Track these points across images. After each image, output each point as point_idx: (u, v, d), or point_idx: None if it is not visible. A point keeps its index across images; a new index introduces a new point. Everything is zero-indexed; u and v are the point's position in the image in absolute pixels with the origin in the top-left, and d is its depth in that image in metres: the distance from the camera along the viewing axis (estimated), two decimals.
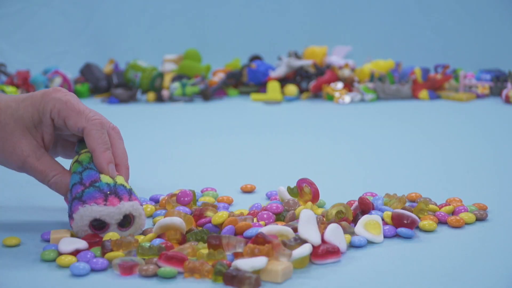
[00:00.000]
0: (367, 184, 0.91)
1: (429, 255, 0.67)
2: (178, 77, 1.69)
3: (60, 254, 0.65)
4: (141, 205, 0.71)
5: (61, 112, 0.72)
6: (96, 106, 1.51)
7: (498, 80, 1.68)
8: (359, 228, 0.71)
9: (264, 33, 2.16)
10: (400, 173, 1.00)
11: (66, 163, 0.76)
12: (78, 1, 2.11)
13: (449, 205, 0.79)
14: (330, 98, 1.63)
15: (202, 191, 0.86)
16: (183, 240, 0.68)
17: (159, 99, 1.63)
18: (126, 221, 0.69)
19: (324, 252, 0.65)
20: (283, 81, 1.71)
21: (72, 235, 0.70)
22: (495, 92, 1.67)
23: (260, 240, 0.63)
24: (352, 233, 0.71)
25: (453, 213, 0.78)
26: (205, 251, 0.65)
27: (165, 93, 1.62)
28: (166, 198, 0.80)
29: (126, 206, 0.69)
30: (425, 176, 0.97)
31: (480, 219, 0.77)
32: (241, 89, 1.73)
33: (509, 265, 0.65)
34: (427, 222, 0.73)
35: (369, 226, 0.71)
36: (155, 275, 0.62)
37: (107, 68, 1.81)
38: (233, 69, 1.80)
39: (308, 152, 1.14)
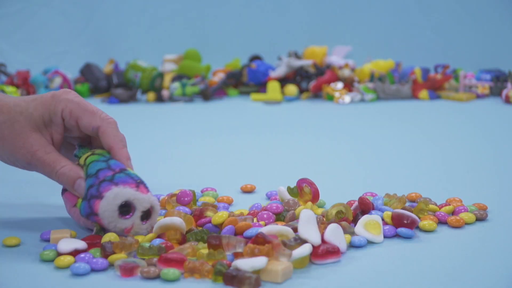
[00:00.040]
0: (367, 184, 0.91)
1: (429, 255, 0.67)
2: (178, 77, 1.69)
3: (59, 254, 0.65)
4: None
5: (74, 112, 0.73)
6: (96, 106, 1.51)
7: (498, 80, 1.68)
8: (359, 228, 0.71)
9: (264, 33, 2.16)
10: (400, 173, 1.00)
11: None
12: (78, 1, 2.11)
13: (449, 205, 0.79)
14: (330, 98, 1.63)
15: (202, 191, 0.86)
16: (183, 240, 0.68)
17: (159, 99, 1.63)
18: (146, 214, 0.70)
19: (324, 252, 0.65)
20: (283, 81, 1.71)
21: (72, 235, 0.70)
22: (495, 92, 1.67)
23: (260, 240, 0.63)
24: (352, 233, 0.71)
25: (453, 213, 0.78)
26: (205, 251, 0.65)
27: (165, 93, 1.62)
28: (166, 198, 0.80)
29: (153, 198, 0.70)
30: (425, 176, 0.97)
31: (480, 219, 0.77)
32: (241, 89, 1.73)
33: (509, 265, 0.65)
34: (427, 222, 0.73)
35: (369, 226, 0.71)
36: (156, 277, 0.62)
37: (107, 68, 1.81)
38: (233, 69, 1.80)
39: (308, 152, 1.14)
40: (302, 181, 0.79)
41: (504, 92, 1.60)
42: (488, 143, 1.19)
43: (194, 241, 0.68)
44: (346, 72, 1.68)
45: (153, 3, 2.16)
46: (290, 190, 0.80)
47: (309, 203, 0.78)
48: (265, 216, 0.74)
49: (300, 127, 1.38)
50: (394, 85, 1.65)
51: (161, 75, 1.67)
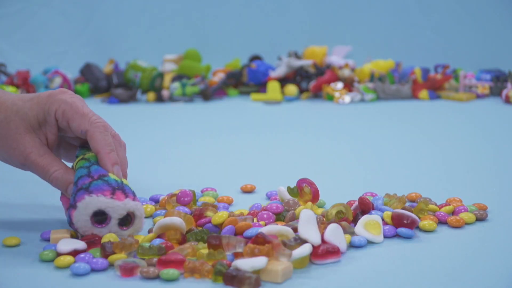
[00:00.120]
0: (367, 184, 0.91)
1: (429, 255, 0.67)
2: (178, 77, 1.69)
3: (58, 254, 0.65)
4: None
5: (65, 113, 0.72)
6: (96, 106, 1.51)
7: (498, 80, 1.68)
8: (359, 228, 0.71)
9: (264, 33, 2.16)
10: (400, 173, 1.00)
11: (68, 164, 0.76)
12: (78, 1, 2.11)
13: (449, 205, 0.79)
14: (330, 98, 1.63)
15: (202, 191, 0.86)
16: (183, 240, 0.68)
17: (159, 99, 1.63)
18: (127, 220, 0.69)
19: (324, 252, 0.65)
20: (283, 81, 1.71)
21: (72, 235, 0.70)
22: (495, 92, 1.67)
23: (260, 240, 0.63)
24: (352, 233, 0.71)
25: (453, 213, 0.78)
26: (205, 251, 0.65)
27: (165, 93, 1.62)
28: (166, 198, 0.80)
29: (131, 204, 0.69)
30: (425, 176, 0.97)
31: (480, 219, 0.77)
32: (241, 89, 1.73)
33: (509, 265, 0.65)
34: (427, 222, 0.73)
35: (369, 226, 0.71)
36: (156, 277, 0.62)
37: (107, 68, 1.81)
38: (233, 69, 1.80)
39: (308, 152, 1.14)
40: (302, 181, 0.79)
41: (504, 92, 1.60)
42: (488, 143, 1.19)
43: (194, 241, 0.68)
44: (346, 72, 1.68)
45: (153, 3, 2.16)
46: (290, 190, 0.80)
47: (309, 203, 0.78)
48: (265, 216, 0.74)
49: (300, 127, 1.38)
50: (394, 85, 1.65)
51: (161, 75, 1.67)
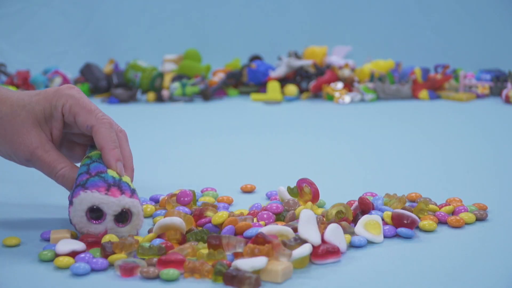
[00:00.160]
0: (367, 184, 0.91)
1: (429, 255, 0.67)
2: (178, 77, 1.69)
3: (57, 254, 0.65)
4: (141, 205, 0.71)
5: (72, 108, 0.72)
6: (95, 105, 1.51)
7: (498, 80, 1.68)
8: (359, 228, 0.71)
9: (264, 33, 2.16)
10: (400, 173, 1.00)
11: None
12: (78, 1, 2.11)
13: (449, 205, 0.79)
14: (330, 98, 1.63)
15: (202, 191, 0.86)
16: (183, 240, 0.68)
17: (159, 99, 1.63)
18: (124, 217, 0.69)
19: (324, 252, 0.65)
20: (283, 81, 1.71)
21: (73, 236, 0.70)
22: (495, 92, 1.67)
23: (260, 240, 0.63)
24: (352, 233, 0.71)
25: (453, 213, 0.78)
26: (205, 251, 0.65)
27: (165, 93, 1.62)
28: (166, 198, 0.80)
29: (126, 200, 0.69)
30: (425, 176, 0.97)
31: (480, 219, 0.77)
32: (241, 89, 1.73)
33: (509, 265, 0.65)
34: (427, 222, 0.73)
35: (369, 226, 0.71)
36: (156, 277, 0.62)
37: (107, 68, 1.81)
38: (233, 69, 1.80)
39: (308, 152, 1.14)
40: (302, 181, 0.79)
41: (504, 92, 1.60)
42: (488, 143, 1.19)
43: (194, 241, 0.68)
44: (346, 72, 1.68)
45: (153, 3, 2.16)
46: (290, 190, 0.80)
47: (309, 203, 0.78)
48: (265, 216, 0.74)
49: (300, 127, 1.38)
50: (394, 85, 1.65)
51: (161, 75, 1.67)
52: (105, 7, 2.12)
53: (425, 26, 2.14)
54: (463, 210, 0.77)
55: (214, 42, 2.12)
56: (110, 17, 2.12)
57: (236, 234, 0.70)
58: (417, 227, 0.74)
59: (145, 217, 0.77)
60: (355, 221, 0.73)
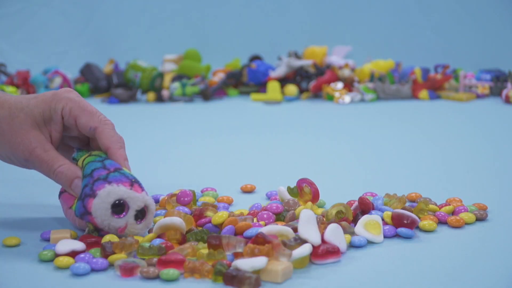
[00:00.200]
0: (367, 184, 0.91)
1: (429, 255, 0.67)
2: (178, 77, 1.69)
3: (57, 254, 0.65)
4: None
5: (73, 110, 0.73)
6: (96, 106, 1.50)
7: (498, 80, 1.68)
8: (359, 228, 0.71)
9: (264, 33, 2.16)
10: (400, 173, 1.00)
11: None
12: (78, 1, 2.11)
13: (449, 205, 0.79)
14: (330, 98, 1.63)
15: (202, 191, 0.86)
16: (183, 240, 0.68)
17: (159, 99, 1.63)
18: (142, 214, 0.69)
19: (324, 252, 0.65)
20: (283, 81, 1.71)
21: (72, 236, 0.70)
22: (495, 92, 1.67)
23: (260, 240, 0.63)
24: (352, 233, 0.71)
25: (453, 213, 0.78)
26: (205, 251, 0.65)
27: (165, 93, 1.62)
28: (166, 198, 0.80)
29: (147, 197, 0.69)
30: (425, 176, 0.97)
31: (480, 219, 0.77)
32: (241, 89, 1.73)
33: (509, 265, 0.65)
34: (427, 222, 0.73)
35: (369, 226, 0.71)
36: (156, 277, 0.62)
37: (107, 68, 1.81)
38: (233, 69, 1.80)
39: (308, 152, 1.14)
40: (302, 181, 0.79)
41: (504, 92, 1.60)
42: (488, 143, 1.19)
43: (194, 241, 0.68)
44: (346, 72, 1.68)
45: (153, 3, 2.16)
46: (290, 190, 0.80)
47: (309, 203, 0.78)
48: (265, 216, 0.74)
49: (300, 127, 1.38)
50: (394, 85, 1.65)
51: (161, 75, 1.67)
52: (105, 7, 2.12)
53: (425, 26, 2.14)
54: (463, 210, 0.77)
55: (214, 42, 2.12)
56: (110, 17, 2.12)
57: (236, 234, 0.70)
58: (417, 227, 0.74)
59: None
60: (355, 221, 0.73)
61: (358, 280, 0.62)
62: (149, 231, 0.72)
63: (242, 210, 0.78)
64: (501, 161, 1.06)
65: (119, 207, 0.68)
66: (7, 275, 0.63)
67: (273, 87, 1.67)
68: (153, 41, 2.12)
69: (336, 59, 1.81)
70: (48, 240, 0.70)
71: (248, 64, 1.77)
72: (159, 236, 0.69)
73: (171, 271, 0.61)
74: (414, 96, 1.66)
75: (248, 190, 0.88)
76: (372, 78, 1.67)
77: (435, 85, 1.68)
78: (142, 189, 0.70)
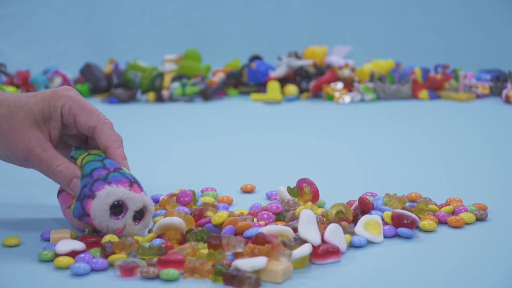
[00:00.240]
0: (367, 184, 0.91)
1: (429, 255, 0.67)
2: (178, 77, 1.69)
3: (57, 254, 0.65)
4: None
5: (72, 109, 0.73)
6: (96, 106, 1.50)
7: (498, 80, 1.68)
8: (359, 228, 0.71)
9: (264, 33, 2.16)
10: (400, 173, 1.00)
11: None
12: (78, 1, 2.11)
13: (449, 205, 0.79)
14: (330, 98, 1.63)
15: (202, 191, 0.86)
16: (183, 240, 0.68)
17: (159, 99, 1.63)
18: (140, 214, 0.69)
19: (324, 252, 0.65)
20: (283, 81, 1.71)
21: (72, 236, 0.70)
22: (495, 92, 1.67)
23: (260, 240, 0.63)
24: (352, 233, 0.71)
25: (453, 213, 0.78)
26: (205, 251, 0.65)
27: (165, 93, 1.62)
28: (166, 198, 0.80)
29: (146, 198, 0.69)
30: (425, 176, 0.97)
31: (480, 219, 0.77)
32: (241, 89, 1.73)
33: (509, 265, 0.65)
34: (427, 222, 0.73)
35: (369, 226, 0.71)
36: (156, 277, 0.62)
37: (107, 68, 1.81)
38: (233, 69, 1.80)
39: (308, 152, 1.14)
40: (302, 181, 0.79)
41: (504, 92, 1.60)
42: (488, 143, 1.19)
43: (194, 241, 0.68)
44: (346, 72, 1.68)
45: (153, 3, 2.16)
46: (290, 190, 0.80)
47: (309, 203, 0.78)
48: (265, 216, 0.74)
49: (300, 127, 1.38)
50: (394, 85, 1.65)
51: (161, 75, 1.67)
52: (105, 7, 2.12)
53: (425, 26, 2.14)
54: (463, 210, 0.77)
55: (214, 42, 2.12)
56: (110, 17, 2.12)
57: (236, 234, 0.70)
58: (417, 227, 0.74)
59: None
60: (355, 221, 0.73)
61: (358, 280, 0.62)
62: (149, 231, 0.72)
63: (242, 210, 0.78)
64: (501, 161, 1.06)
65: (117, 208, 0.68)
66: (7, 275, 0.63)
67: (273, 87, 1.67)
68: (153, 41, 2.12)
69: (336, 59, 1.81)
70: (48, 240, 0.70)
71: (248, 64, 1.77)
72: (159, 236, 0.69)
73: (171, 271, 0.61)
74: (414, 96, 1.66)
75: (248, 190, 0.88)
76: (372, 78, 1.67)
77: (435, 85, 1.68)
78: (141, 189, 0.70)
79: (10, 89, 1.56)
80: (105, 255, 0.65)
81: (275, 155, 1.12)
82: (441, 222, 0.75)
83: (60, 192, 0.74)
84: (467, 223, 0.75)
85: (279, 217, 0.75)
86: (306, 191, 0.79)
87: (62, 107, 0.73)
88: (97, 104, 1.60)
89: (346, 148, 1.17)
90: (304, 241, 0.65)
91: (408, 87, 1.65)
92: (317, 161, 1.08)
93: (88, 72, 1.71)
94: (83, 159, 0.73)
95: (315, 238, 0.65)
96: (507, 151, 1.13)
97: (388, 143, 1.21)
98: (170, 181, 0.92)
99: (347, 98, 1.61)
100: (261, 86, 1.72)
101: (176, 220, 0.69)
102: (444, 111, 1.54)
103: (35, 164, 0.73)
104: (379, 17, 2.17)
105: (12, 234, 0.71)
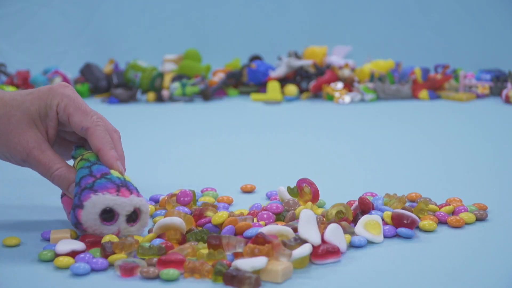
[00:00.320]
0: (367, 184, 0.91)
1: (429, 255, 0.67)
2: (178, 77, 1.69)
3: (57, 254, 0.65)
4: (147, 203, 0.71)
5: (67, 108, 0.72)
6: (96, 106, 1.51)
7: (498, 80, 1.68)
8: (359, 228, 0.71)
9: (264, 33, 2.16)
10: (400, 173, 1.00)
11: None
12: (78, 1, 2.11)
13: (449, 205, 0.79)
14: (330, 98, 1.63)
15: (202, 191, 0.86)
16: (183, 240, 0.68)
17: (159, 99, 1.63)
18: (134, 216, 0.69)
19: (324, 252, 0.65)
20: (283, 81, 1.71)
21: (72, 236, 0.70)
22: (495, 92, 1.67)
23: (260, 240, 0.63)
24: (352, 233, 0.71)
25: (453, 213, 0.78)
26: (205, 251, 0.65)
27: (165, 93, 1.62)
28: (166, 198, 0.80)
29: (136, 200, 0.69)
30: (425, 176, 0.97)
31: (480, 219, 0.77)
32: (241, 89, 1.73)
33: (509, 265, 0.65)
34: (427, 222, 0.73)
35: (369, 226, 0.71)
36: (156, 277, 0.62)
37: (107, 68, 1.81)
38: (233, 69, 1.80)
39: (308, 152, 1.14)
40: (302, 181, 0.79)
41: (504, 92, 1.60)
42: (488, 143, 1.19)
43: (194, 241, 0.68)
44: (346, 72, 1.68)
45: (153, 3, 2.16)
46: (290, 190, 0.80)
47: (309, 203, 0.78)
48: (265, 216, 0.74)
49: (300, 127, 1.38)
50: (394, 85, 1.65)
51: (161, 75, 1.67)
52: (105, 7, 2.12)
53: (425, 26, 2.14)
54: (463, 210, 0.77)
55: (214, 42, 2.12)
56: (110, 17, 2.12)
57: (236, 234, 0.70)
58: (417, 227, 0.74)
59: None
60: (355, 221, 0.73)
61: (358, 280, 0.62)
62: (149, 231, 0.72)
63: (242, 210, 0.78)
64: (501, 161, 1.06)
65: (109, 213, 0.68)
66: (7, 275, 0.63)
67: (273, 87, 1.67)
68: (153, 41, 2.12)
69: (336, 59, 1.81)
70: (48, 240, 0.70)
71: (248, 64, 1.77)
72: (159, 236, 0.69)
73: (171, 271, 0.61)
74: (414, 96, 1.66)
75: (248, 190, 0.88)
76: (372, 78, 1.67)
77: (435, 85, 1.68)
78: (131, 191, 0.69)
79: (10, 89, 1.56)
80: (105, 255, 0.65)
81: (275, 155, 1.12)
82: (441, 222, 0.75)
83: (63, 195, 0.74)
84: (467, 223, 0.75)
85: (279, 217, 0.75)
86: (306, 191, 0.79)
87: (57, 105, 0.72)
88: (97, 104, 1.60)
89: (346, 148, 1.17)
90: (304, 241, 0.65)
91: (408, 87, 1.65)
92: (317, 161, 1.08)
93: (88, 72, 1.71)
94: (77, 163, 0.73)
95: (315, 238, 0.65)
96: (507, 151, 1.13)
97: (388, 143, 1.21)
98: (170, 181, 0.92)
99: (347, 98, 1.61)
100: (261, 86, 1.72)
101: (176, 220, 0.69)
102: (444, 111, 1.54)
103: (33, 166, 0.73)
104: (379, 17, 2.17)
105: (12, 234, 0.71)
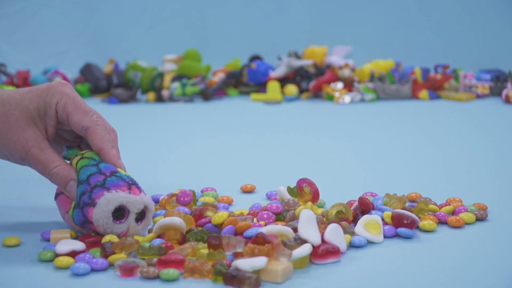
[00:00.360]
0: (367, 184, 0.91)
1: (429, 255, 0.67)
2: (178, 77, 1.69)
3: (57, 254, 0.65)
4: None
5: (66, 106, 0.72)
6: (96, 106, 1.51)
7: (498, 80, 1.68)
8: (359, 228, 0.71)
9: (264, 33, 2.16)
10: (400, 173, 1.00)
11: None
12: (78, 1, 2.11)
13: (449, 205, 0.79)
14: (330, 98, 1.63)
15: (202, 191, 0.86)
16: (183, 240, 0.68)
17: (159, 99, 1.63)
18: (141, 215, 0.70)
19: (324, 252, 0.65)
20: (283, 81, 1.71)
21: (72, 236, 0.70)
22: (495, 92, 1.67)
23: (260, 240, 0.63)
24: (352, 233, 0.71)
25: (453, 213, 0.78)
26: (205, 251, 0.65)
27: (165, 93, 1.62)
28: (166, 198, 0.80)
29: (145, 198, 0.70)
30: (425, 176, 0.97)
31: (480, 219, 0.77)
32: (241, 89, 1.73)
33: (509, 265, 0.65)
34: (427, 222, 0.73)
35: (369, 226, 0.71)
36: (156, 277, 0.62)
37: (107, 68, 1.81)
38: (233, 69, 1.80)
39: (308, 152, 1.14)
40: (302, 181, 0.79)
41: (504, 92, 1.60)
42: (488, 143, 1.19)
43: (194, 241, 0.68)
44: (346, 72, 1.68)
45: (153, 3, 2.16)
46: (290, 190, 0.80)
47: (309, 203, 0.78)
48: (265, 216, 0.74)
49: (300, 127, 1.38)
50: (394, 85, 1.65)
51: (161, 75, 1.67)
52: (105, 7, 2.13)
53: (425, 26, 2.14)
54: (463, 210, 0.77)
55: (214, 42, 2.12)
56: (110, 17, 2.12)
57: (236, 234, 0.70)
58: (417, 227, 0.74)
59: None
60: (355, 221, 0.73)
61: (358, 280, 0.62)
62: (149, 231, 0.72)
63: (242, 210, 0.78)
64: (501, 161, 1.06)
65: (119, 211, 0.69)
66: (7, 275, 0.63)
67: (273, 87, 1.67)
68: (153, 41, 2.12)
69: (336, 59, 1.81)
70: (48, 240, 0.70)
71: (248, 64, 1.77)
72: (159, 236, 0.69)
73: (171, 271, 0.61)
74: (414, 96, 1.66)
75: (248, 190, 0.88)
76: (372, 78, 1.67)
77: (435, 85, 1.68)
78: (140, 190, 0.70)
79: (10, 89, 1.56)
80: (105, 255, 0.65)
81: (275, 155, 1.12)
82: (441, 222, 0.75)
83: (57, 195, 0.74)
84: (467, 223, 0.75)
85: (279, 217, 0.75)
86: (306, 191, 0.79)
87: (57, 104, 0.72)
88: (97, 104, 1.60)
89: (346, 148, 1.17)
90: (304, 241, 0.65)
91: (408, 87, 1.65)
92: (317, 161, 1.08)
93: (88, 72, 1.71)
94: (78, 162, 0.72)
95: (315, 238, 0.65)
96: (507, 151, 1.13)
97: (388, 143, 1.21)
98: (170, 181, 0.92)
99: (347, 98, 1.61)
100: (261, 86, 1.72)
101: (176, 220, 0.69)
102: (444, 111, 1.54)
103: (32, 164, 0.72)
104: (379, 17, 2.17)
105: (12, 234, 0.71)
